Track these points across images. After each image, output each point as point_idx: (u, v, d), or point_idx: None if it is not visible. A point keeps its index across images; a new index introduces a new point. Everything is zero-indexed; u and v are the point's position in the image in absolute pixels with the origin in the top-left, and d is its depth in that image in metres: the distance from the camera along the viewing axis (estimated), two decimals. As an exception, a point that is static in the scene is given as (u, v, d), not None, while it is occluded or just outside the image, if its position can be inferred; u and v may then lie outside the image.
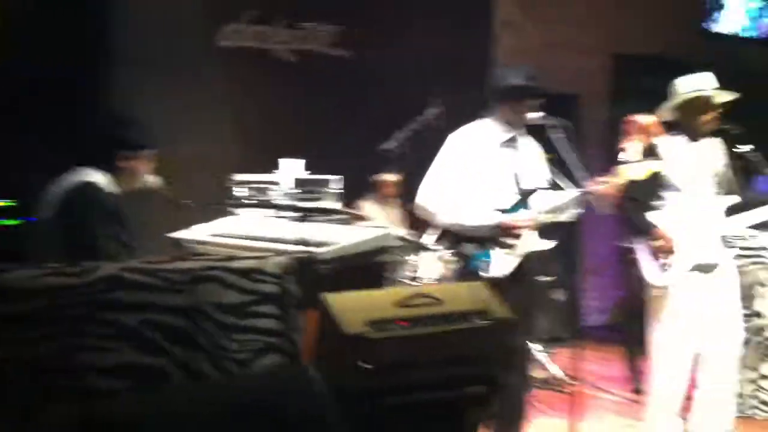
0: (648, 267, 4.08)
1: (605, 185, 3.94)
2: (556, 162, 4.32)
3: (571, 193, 3.97)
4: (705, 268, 4.04)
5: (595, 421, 4.80)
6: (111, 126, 3.56)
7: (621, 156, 5.21)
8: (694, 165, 4.14)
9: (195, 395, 2.55)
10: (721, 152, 4.24)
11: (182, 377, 2.65)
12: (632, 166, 4.09)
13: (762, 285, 4.76)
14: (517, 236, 3.84)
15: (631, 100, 8.13)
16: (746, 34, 8.93)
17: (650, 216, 4.10)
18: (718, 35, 8.71)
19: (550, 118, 3.87)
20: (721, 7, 8.72)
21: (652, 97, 8.08)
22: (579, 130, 7.50)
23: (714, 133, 4.17)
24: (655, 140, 4.32)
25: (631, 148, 5.19)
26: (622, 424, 4.96)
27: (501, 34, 7.36)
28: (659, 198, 4.12)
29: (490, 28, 7.30)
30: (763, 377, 4.69)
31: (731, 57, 8.19)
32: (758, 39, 9.05)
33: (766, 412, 4.74)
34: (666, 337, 4.09)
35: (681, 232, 4.04)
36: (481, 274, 3.76)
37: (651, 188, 4.11)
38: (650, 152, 5.07)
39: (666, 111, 4.23)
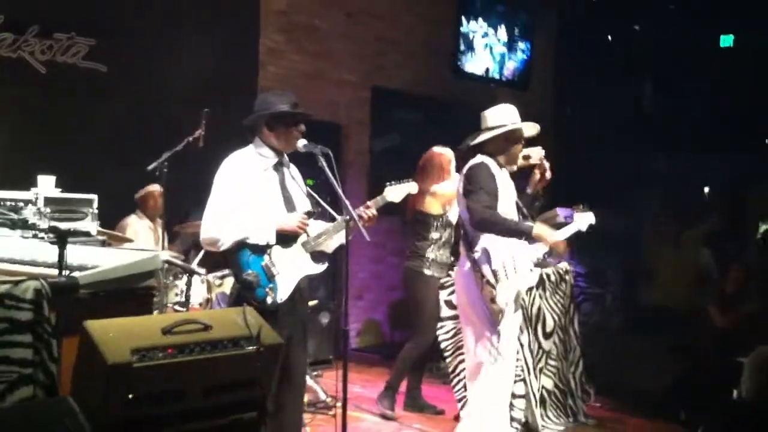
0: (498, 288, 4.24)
1: (370, 211, 4.07)
2: (321, 188, 4.41)
3: (338, 219, 4.07)
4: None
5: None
6: None
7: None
8: (507, 192, 4.40)
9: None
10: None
11: None
12: (393, 189, 4.27)
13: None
14: (302, 232, 3.91)
15: (388, 131, 8.56)
16: (493, 75, 9.68)
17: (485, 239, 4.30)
18: (469, 75, 9.35)
19: (311, 145, 3.94)
20: (471, 48, 9.37)
21: (406, 127, 8.60)
22: (343, 158, 7.79)
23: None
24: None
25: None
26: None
27: (266, 60, 7.40)
28: None
29: (257, 54, 7.31)
30: (514, 396, 5.00)
31: (481, 96, 8.83)
32: (503, 80, 9.83)
33: (516, 429, 5.06)
34: (504, 352, 4.32)
35: (508, 254, 4.27)
36: (266, 300, 3.75)
37: None
38: None
39: (482, 139, 4.42)
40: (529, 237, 4.28)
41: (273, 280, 3.83)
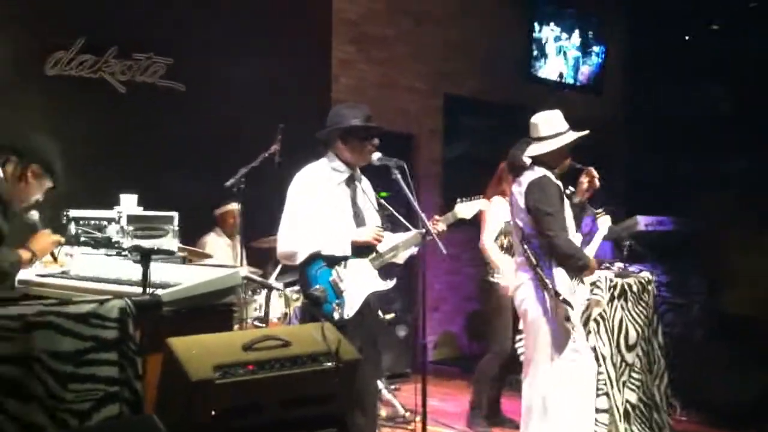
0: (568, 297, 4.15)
1: (442, 224, 4.07)
2: (394, 200, 4.40)
3: (411, 232, 4.07)
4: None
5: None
6: None
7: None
8: (567, 207, 4.28)
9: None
10: None
11: (15, 432, 2.45)
12: (463, 206, 4.26)
13: (596, 321, 4.97)
14: (376, 243, 3.95)
15: (461, 139, 8.51)
16: (567, 80, 9.55)
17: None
18: (542, 80, 9.24)
19: (386, 159, 3.93)
20: (544, 54, 9.26)
21: (479, 135, 8.53)
22: (416, 168, 7.77)
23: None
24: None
25: None
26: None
27: (338, 72, 7.45)
28: None
29: (329, 66, 7.37)
30: (597, 411, 4.88)
31: (554, 101, 8.71)
32: (577, 85, 9.69)
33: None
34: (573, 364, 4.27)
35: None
36: (333, 316, 3.74)
37: None
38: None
39: (543, 151, 4.24)
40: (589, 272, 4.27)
41: (341, 296, 3.83)
